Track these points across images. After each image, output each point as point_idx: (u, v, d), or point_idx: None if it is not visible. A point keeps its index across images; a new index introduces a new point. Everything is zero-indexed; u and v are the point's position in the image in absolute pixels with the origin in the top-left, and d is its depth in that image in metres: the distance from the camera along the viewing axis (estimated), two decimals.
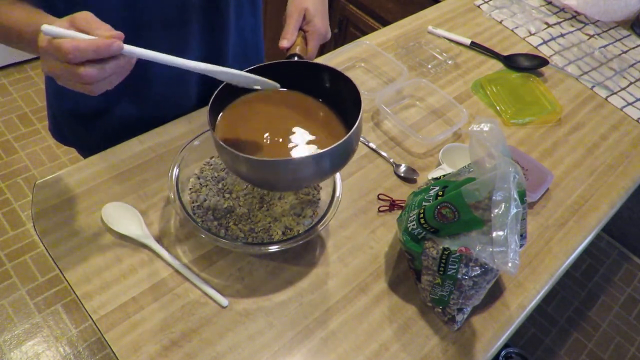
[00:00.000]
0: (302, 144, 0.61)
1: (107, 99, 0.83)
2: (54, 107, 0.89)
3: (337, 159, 0.58)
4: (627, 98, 1.09)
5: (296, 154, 0.60)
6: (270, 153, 0.60)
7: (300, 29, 0.72)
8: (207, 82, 0.88)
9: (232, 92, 0.64)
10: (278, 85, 0.65)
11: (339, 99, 0.64)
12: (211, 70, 0.57)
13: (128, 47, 0.49)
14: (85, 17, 0.49)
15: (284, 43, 0.69)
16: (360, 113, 0.57)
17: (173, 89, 0.84)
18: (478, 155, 0.60)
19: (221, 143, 0.56)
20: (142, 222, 0.70)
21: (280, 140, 0.61)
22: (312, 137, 0.62)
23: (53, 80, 0.84)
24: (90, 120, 0.86)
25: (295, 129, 0.63)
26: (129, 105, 0.84)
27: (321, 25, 0.72)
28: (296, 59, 0.67)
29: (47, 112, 0.92)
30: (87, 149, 0.94)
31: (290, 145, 0.61)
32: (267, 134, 0.62)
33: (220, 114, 0.64)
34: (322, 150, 0.55)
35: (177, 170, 0.69)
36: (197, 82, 0.86)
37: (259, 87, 0.64)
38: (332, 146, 0.54)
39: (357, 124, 0.56)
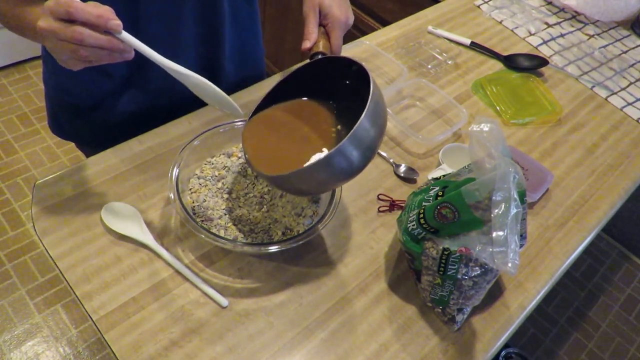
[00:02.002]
0: (314, 151, 0.63)
1: (106, 92, 0.83)
2: (53, 100, 0.89)
3: (351, 153, 0.56)
4: (627, 98, 1.09)
5: (305, 162, 0.61)
6: (292, 165, 0.61)
7: (320, 24, 0.72)
8: (206, 73, 0.88)
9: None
10: (241, 114, 0.65)
11: (361, 93, 0.64)
12: (183, 73, 0.59)
13: (126, 34, 0.53)
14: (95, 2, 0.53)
15: (306, 44, 0.70)
16: (370, 100, 0.56)
17: (171, 80, 0.84)
18: (478, 156, 0.60)
19: (258, 169, 0.62)
20: (142, 222, 0.70)
21: (299, 151, 0.64)
22: (326, 143, 0.63)
23: (52, 74, 0.85)
24: (89, 113, 0.86)
25: (311, 139, 0.65)
26: (128, 98, 0.84)
27: (339, 14, 0.71)
28: (320, 57, 0.67)
29: (45, 106, 0.92)
30: (86, 143, 0.94)
31: (305, 154, 0.63)
32: (288, 147, 0.64)
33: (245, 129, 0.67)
34: (334, 149, 0.54)
35: (177, 170, 0.69)
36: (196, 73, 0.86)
37: (224, 108, 0.64)
38: (343, 141, 0.54)
39: (362, 116, 0.54)
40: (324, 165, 0.56)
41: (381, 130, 0.59)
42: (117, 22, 0.52)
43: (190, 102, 0.88)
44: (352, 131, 0.54)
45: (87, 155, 0.78)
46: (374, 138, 0.58)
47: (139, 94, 0.84)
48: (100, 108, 0.85)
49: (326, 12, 0.71)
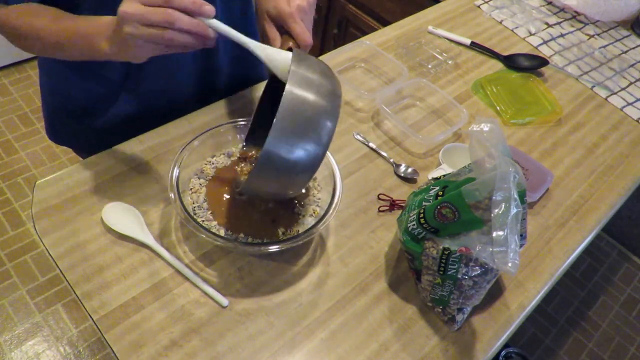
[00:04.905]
0: None
1: (101, 95, 0.83)
2: (49, 105, 0.89)
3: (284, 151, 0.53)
4: (627, 98, 1.09)
5: None
6: None
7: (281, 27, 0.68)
8: (201, 76, 0.88)
9: None
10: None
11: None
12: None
13: (214, 20, 0.54)
14: None
15: None
16: (290, 70, 0.53)
17: (166, 84, 0.84)
18: (478, 155, 0.60)
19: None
20: (142, 222, 0.70)
21: None
22: None
23: (48, 78, 0.85)
24: (84, 117, 0.86)
25: None
26: (122, 101, 0.84)
27: (286, 7, 0.65)
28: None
29: (42, 112, 0.93)
30: (83, 149, 0.94)
31: None
32: None
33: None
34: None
35: (177, 170, 0.69)
36: (189, 76, 0.86)
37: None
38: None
39: (285, 92, 0.51)
40: (271, 155, 0.52)
41: (326, 100, 0.54)
42: (210, 7, 0.52)
43: (184, 105, 0.88)
44: (279, 108, 0.51)
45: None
46: (312, 109, 0.53)
47: (133, 97, 0.84)
48: (94, 112, 0.85)
49: (274, 13, 0.67)
